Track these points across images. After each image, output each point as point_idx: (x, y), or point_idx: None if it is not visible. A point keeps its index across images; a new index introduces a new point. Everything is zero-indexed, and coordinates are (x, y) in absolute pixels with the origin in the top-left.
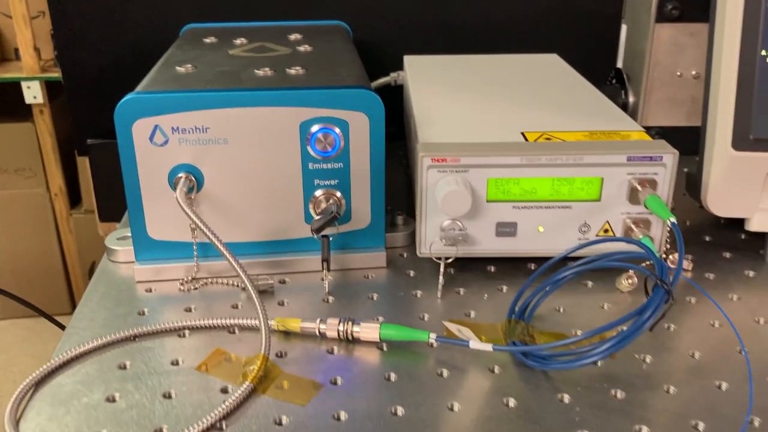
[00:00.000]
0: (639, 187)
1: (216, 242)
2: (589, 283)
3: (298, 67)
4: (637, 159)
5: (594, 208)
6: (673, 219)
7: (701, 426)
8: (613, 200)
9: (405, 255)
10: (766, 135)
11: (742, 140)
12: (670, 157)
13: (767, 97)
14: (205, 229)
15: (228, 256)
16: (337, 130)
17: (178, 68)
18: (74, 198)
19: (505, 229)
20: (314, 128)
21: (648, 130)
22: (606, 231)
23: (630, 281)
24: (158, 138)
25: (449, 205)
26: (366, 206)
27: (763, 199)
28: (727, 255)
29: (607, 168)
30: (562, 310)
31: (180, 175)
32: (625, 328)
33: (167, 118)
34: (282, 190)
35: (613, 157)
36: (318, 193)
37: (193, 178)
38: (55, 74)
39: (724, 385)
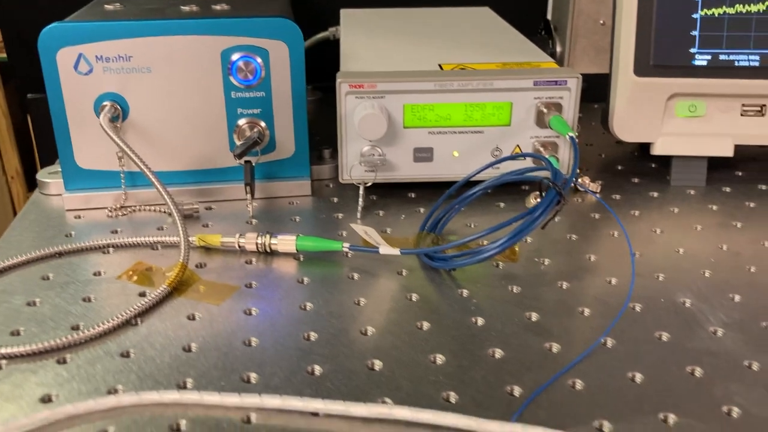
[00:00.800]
0: (545, 110)
1: (140, 164)
2: (501, 204)
3: (223, 4)
4: (543, 83)
5: (505, 133)
6: (572, 134)
7: (586, 311)
8: (522, 124)
9: (331, 186)
10: (665, 62)
11: (643, 67)
12: (573, 81)
13: (665, 25)
14: (129, 152)
15: (151, 176)
16: (258, 59)
17: (106, 6)
18: (31, 180)
19: (422, 155)
20: (235, 56)
21: None
22: (518, 152)
23: (538, 200)
24: (82, 67)
25: (366, 129)
26: (290, 135)
27: (665, 123)
28: (636, 180)
29: (516, 93)
30: (472, 225)
31: (105, 103)
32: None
33: (91, 46)
34: (206, 119)
35: (521, 82)
36: (242, 122)
37: (119, 107)
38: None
39: (614, 281)
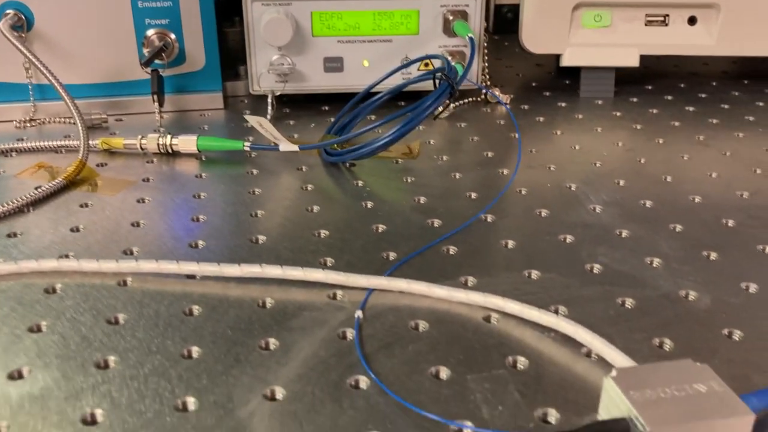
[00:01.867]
0: (451, 18)
1: (44, 72)
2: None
3: None
4: None
5: (413, 42)
6: (471, 35)
7: (473, 195)
8: (430, 33)
9: (245, 101)
10: None
11: None
12: None
13: None
14: (33, 59)
15: (55, 83)
16: None
17: None
18: None
19: (333, 65)
20: None
21: None
22: (426, 65)
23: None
24: None
25: (270, 34)
26: (199, 47)
27: (573, 34)
28: (547, 93)
29: (423, 0)
30: (379, 132)
31: (8, 11)
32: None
33: None
34: (114, 30)
35: None
36: (150, 32)
37: (22, 16)
38: None
39: (505, 171)
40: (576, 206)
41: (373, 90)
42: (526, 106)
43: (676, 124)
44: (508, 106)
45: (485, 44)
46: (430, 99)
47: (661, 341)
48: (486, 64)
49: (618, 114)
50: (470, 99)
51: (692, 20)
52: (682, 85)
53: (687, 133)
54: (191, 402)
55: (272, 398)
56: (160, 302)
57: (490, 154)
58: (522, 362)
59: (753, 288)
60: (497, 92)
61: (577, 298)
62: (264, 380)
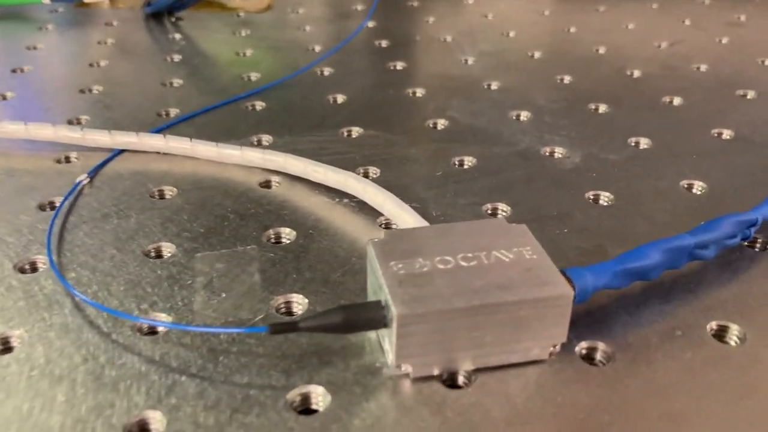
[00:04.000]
0: None
1: None
2: None
3: None
4: None
5: None
6: None
7: (317, 48)
8: None
9: None
10: None
11: None
12: None
13: None
14: None
15: None
16: None
17: None
18: None
19: None
20: None
21: None
22: None
23: None
24: None
25: None
26: None
27: None
28: None
29: None
30: None
31: None
32: None
33: None
34: None
35: None
36: None
37: None
38: None
39: (371, 24)
40: (443, 58)
41: None
42: None
43: None
44: None
45: None
46: None
47: (494, 207)
48: None
49: None
50: None
51: None
52: None
53: None
54: None
55: None
56: None
57: (359, 7)
58: (287, 235)
59: (644, 144)
60: None
61: (399, 158)
62: None
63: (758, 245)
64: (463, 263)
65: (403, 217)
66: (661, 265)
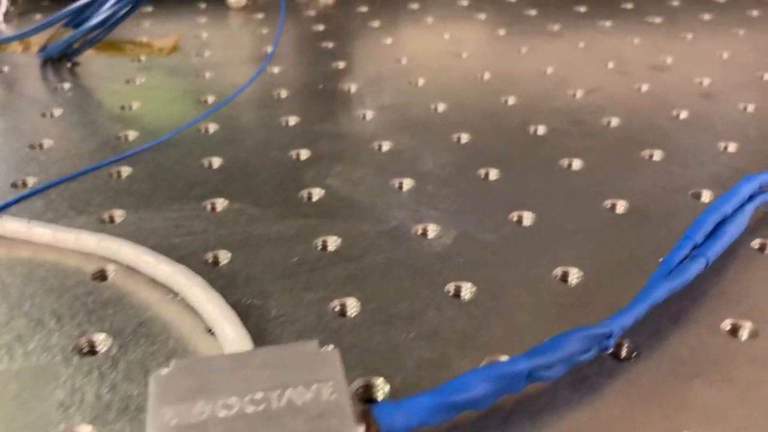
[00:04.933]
0: None
1: None
2: (203, 5)
3: None
4: None
5: None
6: None
7: (209, 99)
8: None
9: None
10: None
11: None
12: None
13: None
14: None
15: None
16: None
17: None
18: None
19: None
20: None
21: None
22: None
23: None
24: None
25: None
26: None
27: None
28: None
29: None
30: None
31: None
32: None
33: None
34: None
35: None
36: None
37: None
38: None
39: (276, 70)
40: (341, 113)
41: None
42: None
43: (533, 12)
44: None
45: None
46: None
47: (342, 304)
48: None
49: (465, 3)
50: None
51: None
52: None
53: (538, 22)
54: None
55: None
56: None
57: (269, 49)
58: (101, 343)
59: (527, 219)
60: None
61: (257, 238)
62: None
63: (624, 352)
64: (249, 408)
65: (223, 328)
66: (491, 395)
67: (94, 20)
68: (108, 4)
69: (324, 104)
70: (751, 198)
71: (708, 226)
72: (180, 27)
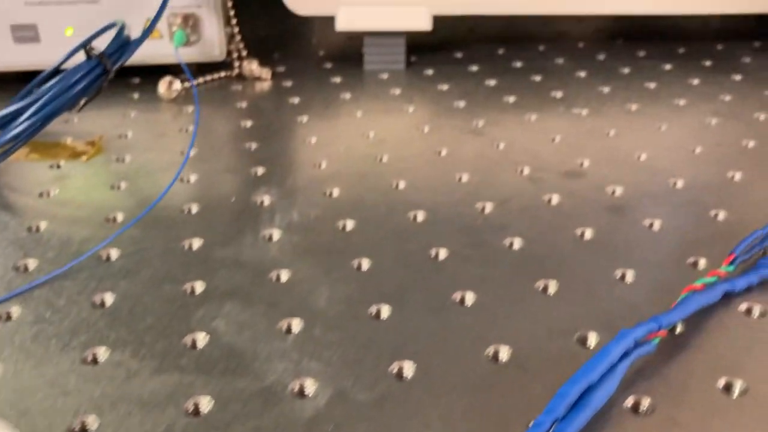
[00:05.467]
0: None
1: None
2: (136, 95)
3: None
4: None
5: (130, 3)
6: None
7: (120, 216)
8: None
9: None
10: None
11: None
12: None
13: None
14: None
15: None
16: None
17: None
18: None
19: (24, 34)
20: None
21: None
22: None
23: (173, 86)
24: None
25: None
26: None
27: None
28: (329, 65)
29: None
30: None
31: None
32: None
33: None
34: None
35: None
36: None
37: None
38: None
39: (192, 178)
40: (244, 234)
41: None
42: (288, 83)
43: (462, 104)
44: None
45: (230, 3)
46: (77, 83)
47: None
48: (237, 29)
49: (397, 92)
50: (224, 74)
51: None
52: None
53: (465, 115)
54: None
55: None
56: None
57: (194, 152)
58: None
59: (407, 371)
60: (253, 67)
61: (128, 401)
62: None
63: None
64: None
65: None
66: None
67: (9, 134)
68: (22, 118)
69: (232, 223)
70: (625, 355)
71: (572, 398)
72: (109, 122)
